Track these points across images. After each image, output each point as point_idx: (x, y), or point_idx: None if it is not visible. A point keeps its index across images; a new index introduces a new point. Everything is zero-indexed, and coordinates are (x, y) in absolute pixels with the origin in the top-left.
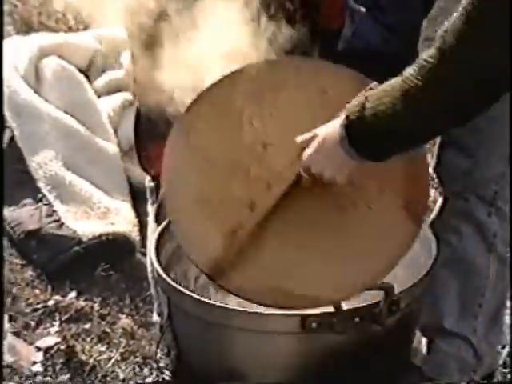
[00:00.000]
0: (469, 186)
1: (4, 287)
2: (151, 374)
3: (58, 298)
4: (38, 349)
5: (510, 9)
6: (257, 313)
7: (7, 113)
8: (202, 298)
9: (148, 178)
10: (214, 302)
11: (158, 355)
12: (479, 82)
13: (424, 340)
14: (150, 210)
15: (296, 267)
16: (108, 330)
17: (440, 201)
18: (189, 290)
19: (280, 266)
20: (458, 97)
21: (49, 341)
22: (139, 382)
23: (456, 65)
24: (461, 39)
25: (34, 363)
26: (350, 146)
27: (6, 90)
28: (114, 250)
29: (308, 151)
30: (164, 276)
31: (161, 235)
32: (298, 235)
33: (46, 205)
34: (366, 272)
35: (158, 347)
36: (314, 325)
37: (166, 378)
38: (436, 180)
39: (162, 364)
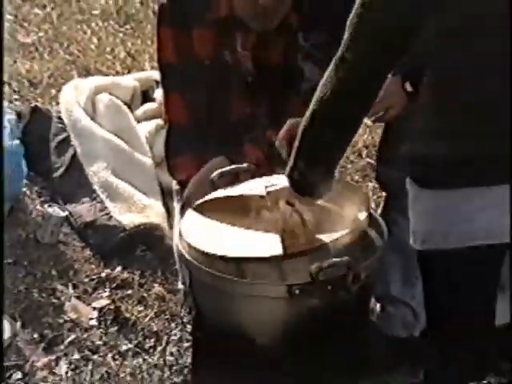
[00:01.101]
0: (401, 189)
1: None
2: (177, 327)
3: (108, 271)
4: (94, 308)
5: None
6: (255, 283)
7: (72, 134)
8: (214, 271)
9: (174, 182)
10: (222, 275)
11: (182, 314)
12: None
13: (378, 304)
14: (176, 206)
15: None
16: (145, 294)
17: (383, 200)
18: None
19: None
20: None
21: (102, 302)
22: (167, 332)
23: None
24: None
25: (91, 319)
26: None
27: (70, 118)
28: (149, 236)
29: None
30: (186, 255)
31: (185, 224)
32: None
33: (99, 202)
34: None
35: (182, 308)
36: (297, 291)
37: (188, 330)
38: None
39: (185, 320)
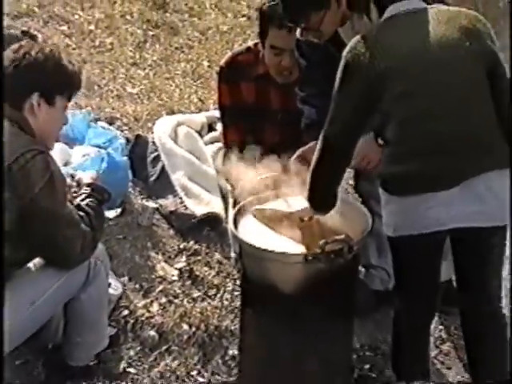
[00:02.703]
0: (374, 197)
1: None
2: (230, 281)
3: (185, 244)
4: (175, 269)
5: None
6: (281, 252)
7: (161, 153)
8: (255, 244)
9: (229, 185)
10: (261, 247)
11: (235, 272)
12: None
13: (363, 268)
14: (230, 201)
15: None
16: (209, 260)
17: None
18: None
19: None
20: None
21: (180, 265)
22: (224, 285)
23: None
24: None
25: (173, 276)
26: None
27: (161, 142)
28: (212, 221)
29: None
30: (236, 233)
31: (235, 215)
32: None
33: (179, 198)
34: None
35: (234, 268)
36: (310, 258)
37: (238, 283)
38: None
39: (236, 277)
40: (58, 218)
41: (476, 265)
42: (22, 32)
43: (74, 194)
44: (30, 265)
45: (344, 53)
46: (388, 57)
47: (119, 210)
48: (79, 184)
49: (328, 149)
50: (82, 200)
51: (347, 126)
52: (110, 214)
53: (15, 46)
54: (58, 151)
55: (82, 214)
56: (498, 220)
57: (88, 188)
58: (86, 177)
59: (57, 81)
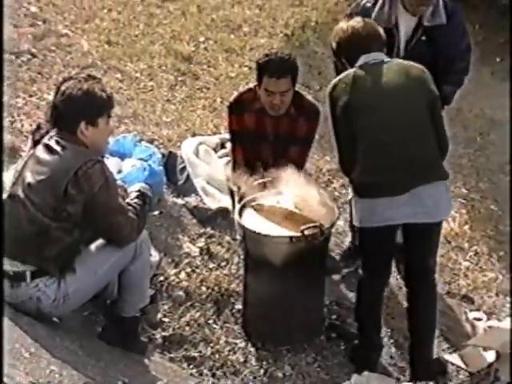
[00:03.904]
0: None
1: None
2: (237, 256)
3: (204, 229)
4: (197, 247)
5: None
6: (273, 235)
7: (187, 164)
8: (253, 229)
9: (235, 187)
10: (254, 230)
11: (239, 250)
12: None
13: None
14: (236, 199)
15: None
16: (221, 241)
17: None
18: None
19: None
20: None
21: (201, 244)
22: (232, 258)
23: None
24: None
25: (195, 252)
26: None
27: (186, 157)
28: (223, 213)
29: None
30: (241, 222)
31: (240, 208)
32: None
33: (199, 197)
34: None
35: (239, 246)
36: (294, 240)
37: (242, 257)
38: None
39: (240, 253)
40: (112, 209)
41: (420, 248)
42: (88, 75)
43: (127, 196)
44: (93, 246)
45: (328, 89)
46: (358, 94)
47: (158, 212)
48: (126, 191)
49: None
50: (132, 199)
51: (344, 145)
52: (154, 213)
53: (66, 84)
54: (113, 163)
55: (130, 208)
56: (435, 218)
57: (136, 192)
58: (137, 186)
59: (94, 108)
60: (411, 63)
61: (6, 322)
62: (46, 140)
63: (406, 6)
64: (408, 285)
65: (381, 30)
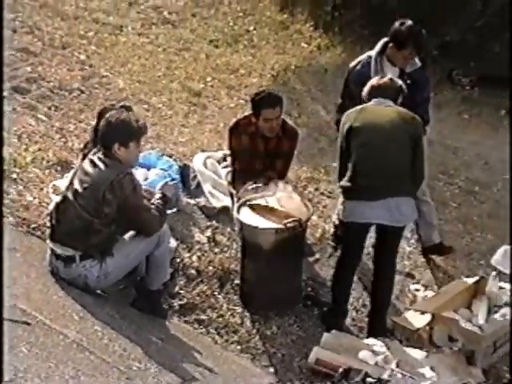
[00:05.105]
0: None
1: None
2: (236, 243)
3: (210, 222)
4: (205, 236)
5: None
6: (263, 227)
7: (198, 174)
8: (248, 222)
9: (234, 191)
10: (250, 224)
11: (238, 238)
12: None
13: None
14: (235, 200)
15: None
16: (224, 232)
17: None
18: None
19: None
20: None
21: (208, 234)
22: (231, 243)
23: None
24: None
25: (204, 240)
26: None
27: (197, 167)
28: (225, 211)
29: None
30: (239, 217)
31: (238, 207)
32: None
33: (207, 198)
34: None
35: (238, 236)
36: (279, 231)
37: (239, 243)
38: None
39: (238, 239)
40: (140, 208)
41: (388, 243)
42: (122, 106)
43: (152, 197)
44: (127, 236)
45: (343, 117)
46: (359, 122)
47: (176, 209)
48: (152, 193)
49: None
50: (156, 200)
51: (342, 158)
52: (172, 210)
53: (109, 113)
54: (141, 172)
55: (153, 207)
56: (400, 223)
57: (159, 195)
58: (160, 191)
59: (127, 134)
60: (406, 110)
61: (61, 292)
62: (90, 155)
63: (392, 62)
64: (376, 266)
65: (398, 85)
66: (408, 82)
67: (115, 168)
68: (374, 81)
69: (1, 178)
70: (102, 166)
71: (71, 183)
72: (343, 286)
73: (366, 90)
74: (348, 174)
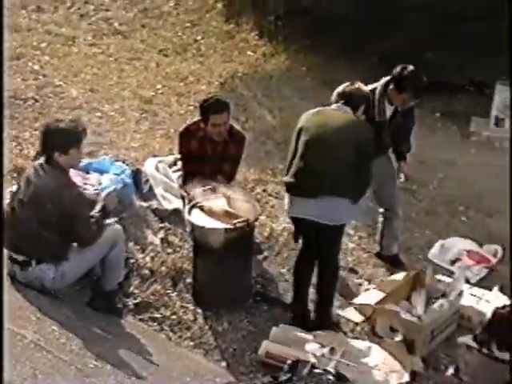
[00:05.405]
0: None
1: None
2: (188, 243)
3: (163, 224)
4: (158, 238)
5: None
6: (213, 227)
7: (149, 177)
8: (199, 223)
9: (185, 193)
10: (201, 224)
11: (189, 239)
12: None
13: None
14: (186, 202)
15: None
16: (176, 233)
17: None
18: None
19: None
20: None
21: (161, 235)
22: (184, 243)
23: None
24: None
25: (157, 241)
26: None
27: (149, 171)
28: (177, 213)
29: None
30: (190, 218)
31: (189, 209)
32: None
33: (159, 201)
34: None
35: (189, 236)
36: (229, 230)
37: (190, 243)
38: None
39: (190, 241)
40: (76, 220)
41: (325, 240)
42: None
43: (93, 209)
44: None
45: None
46: (309, 123)
47: (129, 213)
48: (95, 202)
49: None
50: (95, 212)
51: (291, 154)
52: (127, 213)
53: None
54: (95, 177)
55: (92, 220)
56: (333, 222)
57: (100, 207)
58: (104, 197)
59: (66, 141)
60: (358, 118)
61: (18, 295)
62: (34, 164)
63: (390, 100)
64: (319, 262)
65: (363, 95)
66: (400, 118)
67: (56, 177)
68: (341, 87)
69: (1, 179)
70: (43, 174)
71: (16, 192)
72: (301, 277)
73: (334, 94)
74: (291, 170)
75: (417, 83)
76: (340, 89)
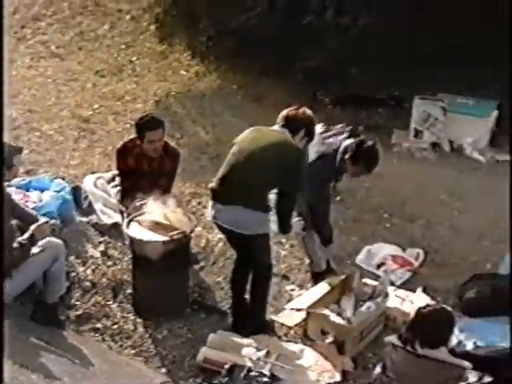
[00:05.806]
0: None
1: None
2: (127, 255)
3: (102, 238)
4: (98, 251)
5: None
6: (150, 240)
7: (89, 193)
8: (137, 236)
9: (124, 208)
10: (139, 237)
11: (128, 252)
12: None
13: None
14: (125, 216)
15: None
16: (115, 246)
17: None
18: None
19: None
20: None
21: (101, 248)
22: (123, 256)
23: None
24: None
25: (97, 255)
26: None
27: (88, 188)
28: (116, 226)
29: None
30: (128, 232)
31: (127, 222)
32: None
33: (99, 216)
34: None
35: (128, 249)
36: (166, 242)
37: (129, 255)
38: None
39: (129, 254)
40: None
41: (245, 248)
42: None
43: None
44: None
45: None
46: (242, 136)
47: (69, 228)
48: (32, 221)
49: None
50: (23, 238)
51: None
52: (67, 228)
53: None
54: (36, 195)
55: (16, 244)
56: (244, 231)
57: (28, 234)
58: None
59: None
60: (289, 139)
61: None
62: None
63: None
64: (253, 270)
65: (305, 121)
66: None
67: None
68: (285, 111)
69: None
70: None
71: None
72: (237, 284)
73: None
74: (216, 177)
75: (372, 160)
76: (284, 112)
